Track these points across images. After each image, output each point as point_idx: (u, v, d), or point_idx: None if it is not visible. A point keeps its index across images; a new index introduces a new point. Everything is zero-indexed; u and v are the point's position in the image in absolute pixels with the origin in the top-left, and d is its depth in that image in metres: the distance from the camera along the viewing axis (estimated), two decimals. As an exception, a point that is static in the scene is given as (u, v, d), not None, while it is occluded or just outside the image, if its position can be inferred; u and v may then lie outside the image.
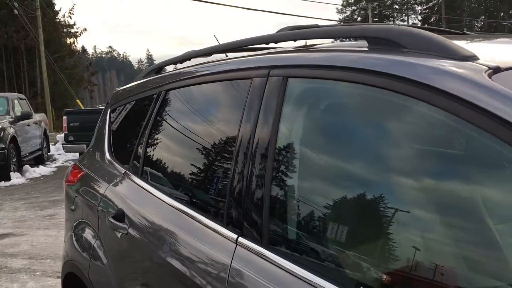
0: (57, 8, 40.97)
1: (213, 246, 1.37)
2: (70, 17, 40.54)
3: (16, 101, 11.65)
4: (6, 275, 4.50)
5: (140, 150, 1.99)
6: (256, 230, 1.26)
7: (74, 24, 41.54)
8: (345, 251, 1.09)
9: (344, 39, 1.64)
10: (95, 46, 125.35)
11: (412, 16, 59.18)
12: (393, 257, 1.00)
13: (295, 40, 1.53)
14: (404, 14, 59.16)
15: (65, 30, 39.71)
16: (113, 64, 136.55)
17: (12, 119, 10.70)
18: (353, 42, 1.38)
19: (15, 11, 24.92)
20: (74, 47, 41.34)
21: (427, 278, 0.90)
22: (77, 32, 40.48)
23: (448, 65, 0.97)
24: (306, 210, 1.21)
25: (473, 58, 0.99)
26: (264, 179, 1.26)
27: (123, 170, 2.09)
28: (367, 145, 1.12)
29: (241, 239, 1.30)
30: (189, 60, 2.11)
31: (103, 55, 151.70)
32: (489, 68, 0.94)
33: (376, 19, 56.43)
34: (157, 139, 1.94)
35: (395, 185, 1.04)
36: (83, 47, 58.05)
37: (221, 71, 1.64)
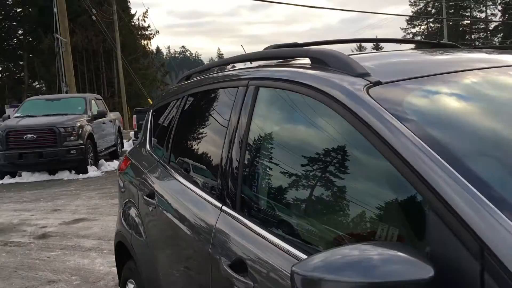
0: (132, 12, 43.37)
1: (207, 213, 1.85)
2: (144, 20, 42.80)
3: (93, 101, 12.78)
4: (79, 252, 5.25)
5: (168, 143, 2.50)
6: (231, 201, 1.72)
7: (148, 26, 43.79)
8: (282, 212, 1.52)
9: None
10: (168, 47, 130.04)
11: (491, 6, 56.25)
12: (327, 218, 1.40)
13: (272, 58, 1.95)
14: (482, 5, 56.33)
15: (139, 32, 41.92)
16: (185, 64, 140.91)
17: (89, 118, 11.78)
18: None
19: (93, 17, 26.81)
20: (148, 49, 43.60)
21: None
22: (151, 34, 42.71)
23: (343, 80, 1.36)
24: (264, 185, 1.65)
25: (365, 74, 1.37)
26: (238, 164, 1.71)
27: (157, 159, 2.62)
28: (303, 135, 1.54)
29: (224, 207, 1.76)
30: (209, 69, 2.60)
31: (176, 55, 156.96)
32: (370, 83, 1.33)
33: (452, 10, 54.22)
34: (178, 134, 2.44)
35: (323, 164, 1.43)
36: (157, 48, 60.77)
37: (221, 81, 2.11)
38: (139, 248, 2.56)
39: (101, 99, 14.03)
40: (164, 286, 2.20)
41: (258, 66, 1.97)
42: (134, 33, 39.82)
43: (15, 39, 38.09)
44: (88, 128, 11.38)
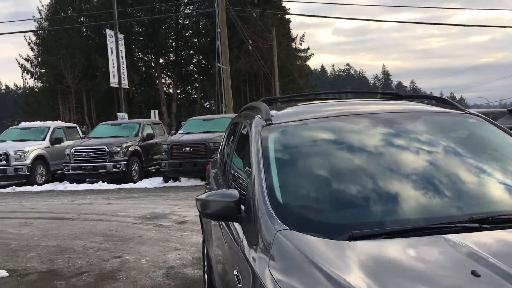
0: (293, 35, 46.59)
1: (218, 187, 3.43)
2: (301, 44, 45.72)
3: (239, 120, 15.12)
4: (197, 232, 7.17)
5: (222, 152, 4.16)
6: (224, 180, 3.28)
7: (308, 48, 46.62)
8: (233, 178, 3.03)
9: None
10: (333, 65, 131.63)
11: None
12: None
13: (247, 109, 3.46)
14: None
15: (297, 54, 44.86)
16: (349, 81, 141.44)
17: (235, 135, 14.08)
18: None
19: (249, 47, 30.13)
20: (304, 69, 46.33)
21: None
22: (307, 55, 45.46)
23: (257, 121, 2.81)
24: (231, 172, 3.17)
25: (268, 119, 2.80)
26: (229, 163, 3.27)
27: (219, 161, 4.29)
28: (243, 147, 3.03)
29: (223, 185, 3.33)
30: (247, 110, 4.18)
31: (341, 73, 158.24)
32: (266, 124, 2.76)
33: None
34: (224, 149, 4.08)
35: (243, 160, 2.92)
36: (322, 67, 63.35)
37: (236, 118, 3.69)
38: (204, 221, 4.22)
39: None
40: (210, 244, 3.80)
41: (246, 112, 3.50)
42: (292, 56, 42.76)
43: (191, 65, 44.08)
44: (233, 143, 13.64)
